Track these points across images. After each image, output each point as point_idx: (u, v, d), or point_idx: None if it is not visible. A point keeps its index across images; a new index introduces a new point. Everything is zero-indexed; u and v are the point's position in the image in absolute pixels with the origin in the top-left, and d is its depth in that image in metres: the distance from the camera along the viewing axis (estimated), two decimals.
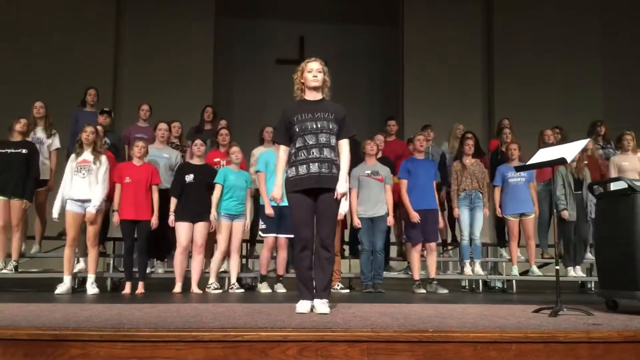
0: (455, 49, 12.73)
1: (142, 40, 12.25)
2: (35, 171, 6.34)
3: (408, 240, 6.56)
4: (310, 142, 3.80)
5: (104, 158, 5.92)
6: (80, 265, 6.46)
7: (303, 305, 3.73)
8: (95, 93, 7.49)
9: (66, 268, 5.80)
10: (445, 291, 6.40)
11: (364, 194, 6.43)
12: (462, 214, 6.84)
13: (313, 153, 3.79)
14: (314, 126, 3.81)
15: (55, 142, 6.94)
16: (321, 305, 3.70)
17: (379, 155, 6.83)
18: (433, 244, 6.49)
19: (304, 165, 3.79)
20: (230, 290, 6.17)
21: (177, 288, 5.97)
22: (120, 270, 6.84)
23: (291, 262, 6.57)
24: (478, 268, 6.95)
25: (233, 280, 6.28)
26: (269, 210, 6.13)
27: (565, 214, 6.72)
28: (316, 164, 3.78)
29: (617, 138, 7.31)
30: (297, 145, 3.84)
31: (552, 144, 6.75)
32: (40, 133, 6.82)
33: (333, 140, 3.87)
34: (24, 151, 6.24)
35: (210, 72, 12.58)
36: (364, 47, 13.93)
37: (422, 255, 6.67)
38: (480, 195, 6.85)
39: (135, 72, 12.07)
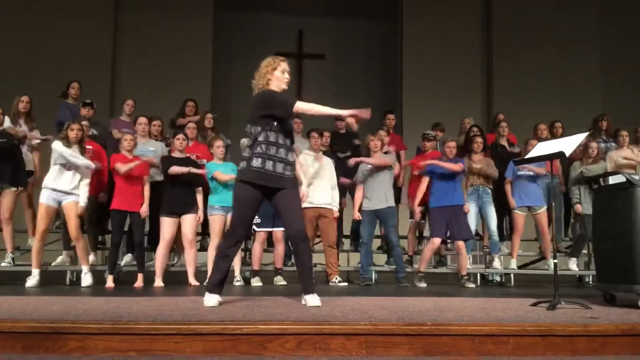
0: (454, 43, 12.69)
1: (141, 34, 12.18)
2: (21, 159, 6.27)
3: (431, 236, 6.42)
4: (280, 142, 3.76)
5: (84, 154, 5.87)
6: (91, 258, 6.43)
7: (212, 299, 3.71)
8: (78, 87, 7.39)
9: (34, 261, 5.73)
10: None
11: (369, 188, 6.43)
12: (470, 209, 6.81)
13: (281, 153, 3.76)
14: (289, 127, 3.82)
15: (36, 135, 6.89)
16: (313, 299, 3.71)
17: (385, 149, 6.82)
18: (461, 243, 6.29)
19: (271, 162, 3.72)
20: (234, 284, 6.15)
21: (158, 282, 5.92)
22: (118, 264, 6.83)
23: (287, 255, 6.59)
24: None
25: (236, 273, 6.25)
26: None
27: (578, 207, 6.74)
28: (281, 165, 3.76)
29: (613, 133, 7.40)
30: (270, 139, 3.72)
31: (546, 139, 6.74)
32: (24, 126, 6.74)
33: (291, 144, 3.86)
34: (2, 140, 6.10)
35: (209, 65, 12.54)
36: (362, 40, 13.88)
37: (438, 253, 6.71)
38: (489, 190, 6.83)
39: (134, 66, 12.01)
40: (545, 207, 6.88)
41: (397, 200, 7.24)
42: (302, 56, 13.42)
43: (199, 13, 12.51)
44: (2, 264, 6.21)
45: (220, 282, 3.79)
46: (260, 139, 3.72)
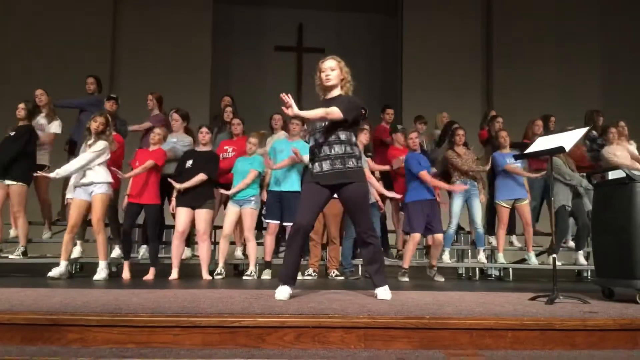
0: (454, 37, 12.70)
1: (141, 26, 12.18)
2: (28, 152, 6.24)
3: (411, 231, 6.35)
4: (320, 140, 3.85)
5: (105, 144, 5.82)
6: (77, 249, 6.45)
7: (282, 291, 3.73)
8: (93, 81, 7.44)
9: (63, 253, 5.73)
10: (442, 279, 6.41)
11: None
12: (455, 202, 6.83)
13: (324, 151, 3.83)
14: (322, 124, 3.84)
15: (53, 127, 6.90)
16: (383, 292, 3.83)
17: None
18: (441, 236, 6.30)
19: (318, 164, 3.85)
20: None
21: (174, 274, 5.95)
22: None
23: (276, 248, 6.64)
24: (482, 256, 6.96)
25: (251, 267, 6.23)
26: (264, 195, 6.32)
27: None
28: (328, 162, 3.81)
29: (602, 130, 7.42)
30: (310, 144, 3.94)
31: (541, 135, 6.76)
32: (42, 119, 6.79)
33: (343, 135, 3.84)
34: (11, 133, 6.16)
35: (208, 58, 12.53)
36: (362, 34, 13.87)
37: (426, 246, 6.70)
38: (476, 184, 6.84)
39: (134, 59, 12.01)
40: (527, 200, 6.92)
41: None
42: (302, 50, 13.42)
43: (198, 6, 12.51)
44: (11, 257, 6.23)
45: (287, 274, 3.81)
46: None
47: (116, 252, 6.53)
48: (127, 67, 12.04)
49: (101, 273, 5.77)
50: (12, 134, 6.17)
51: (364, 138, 6.50)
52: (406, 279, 6.36)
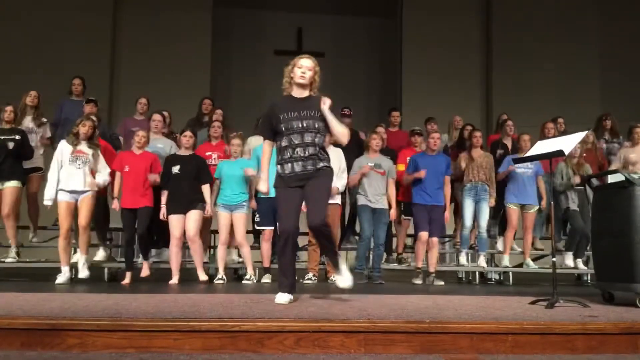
0: (454, 40, 12.70)
1: (140, 29, 12.17)
2: (27, 154, 6.24)
3: (417, 231, 6.42)
4: (296, 142, 3.82)
5: (98, 150, 5.86)
6: (77, 256, 6.44)
7: (282, 296, 3.74)
8: (80, 82, 7.34)
9: (62, 259, 5.74)
10: (442, 283, 6.41)
11: (365, 185, 6.39)
12: (466, 204, 6.81)
13: (298, 152, 3.82)
14: (300, 125, 3.82)
15: (48, 132, 6.91)
16: (340, 279, 3.97)
17: (383, 145, 6.80)
18: (435, 239, 6.39)
19: (289, 164, 3.84)
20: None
21: (174, 280, 5.95)
22: (117, 261, 6.83)
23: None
24: (482, 261, 6.94)
25: (249, 271, 6.23)
26: (253, 203, 6.26)
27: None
28: (300, 163, 3.82)
29: (628, 131, 7.28)
30: (283, 144, 3.87)
31: (554, 137, 6.73)
32: (29, 122, 6.72)
33: (318, 139, 3.87)
34: (16, 137, 6.13)
35: (208, 61, 12.53)
36: (362, 38, 13.88)
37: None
38: (487, 187, 6.80)
39: (133, 62, 12.01)
40: (536, 208, 6.89)
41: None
42: (301, 54, 13.40)
43: (198, 9, 12.51)
44: (7, 260, 6.22)
45: (287, 284, 3.81)
46: (278, 147, 3.92)
47: (101, 254, 6.54)
48: (127, 68, 12.03)
49: (84, 270, 5.81)
50: (17, 137, 6.14)
51: (374, 144, 6.46)
52: (419, 281, 6.38)
